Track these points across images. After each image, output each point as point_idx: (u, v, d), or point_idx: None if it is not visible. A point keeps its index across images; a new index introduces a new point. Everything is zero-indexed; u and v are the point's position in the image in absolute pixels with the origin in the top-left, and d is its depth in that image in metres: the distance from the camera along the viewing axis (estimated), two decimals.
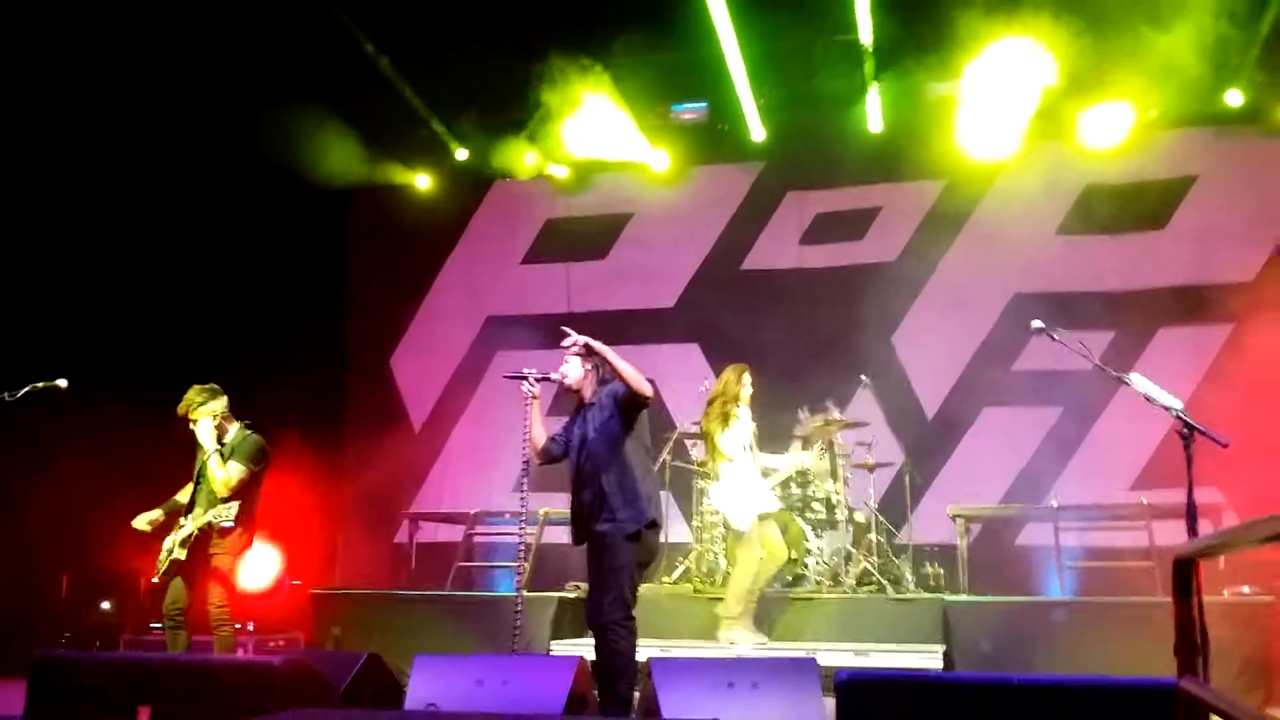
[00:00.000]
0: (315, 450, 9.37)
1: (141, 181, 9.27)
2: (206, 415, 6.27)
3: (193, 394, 6.30)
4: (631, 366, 5.08)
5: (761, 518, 7.06)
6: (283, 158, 9.41)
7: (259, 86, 8.81)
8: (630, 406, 5.12)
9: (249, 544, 6.34)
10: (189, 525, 6.14)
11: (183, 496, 6.40)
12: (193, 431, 6.29)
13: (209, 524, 6.05)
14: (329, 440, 9.40)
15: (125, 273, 9.33)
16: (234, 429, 6.40)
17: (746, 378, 7.32)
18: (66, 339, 8.39)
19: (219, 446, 6.27)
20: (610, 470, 5.07)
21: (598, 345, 5.10)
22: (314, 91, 9.34)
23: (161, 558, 6.21)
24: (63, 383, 6.13)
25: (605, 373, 5.25)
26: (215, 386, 6.40)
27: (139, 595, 8.85)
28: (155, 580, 6.33)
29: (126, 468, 8.17)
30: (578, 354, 5.20)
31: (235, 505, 6.03)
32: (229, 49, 8.55)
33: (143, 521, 6.32)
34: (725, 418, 7.15)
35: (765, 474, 7.53)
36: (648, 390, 5.06)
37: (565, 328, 5.27)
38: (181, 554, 6.10)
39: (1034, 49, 8.56)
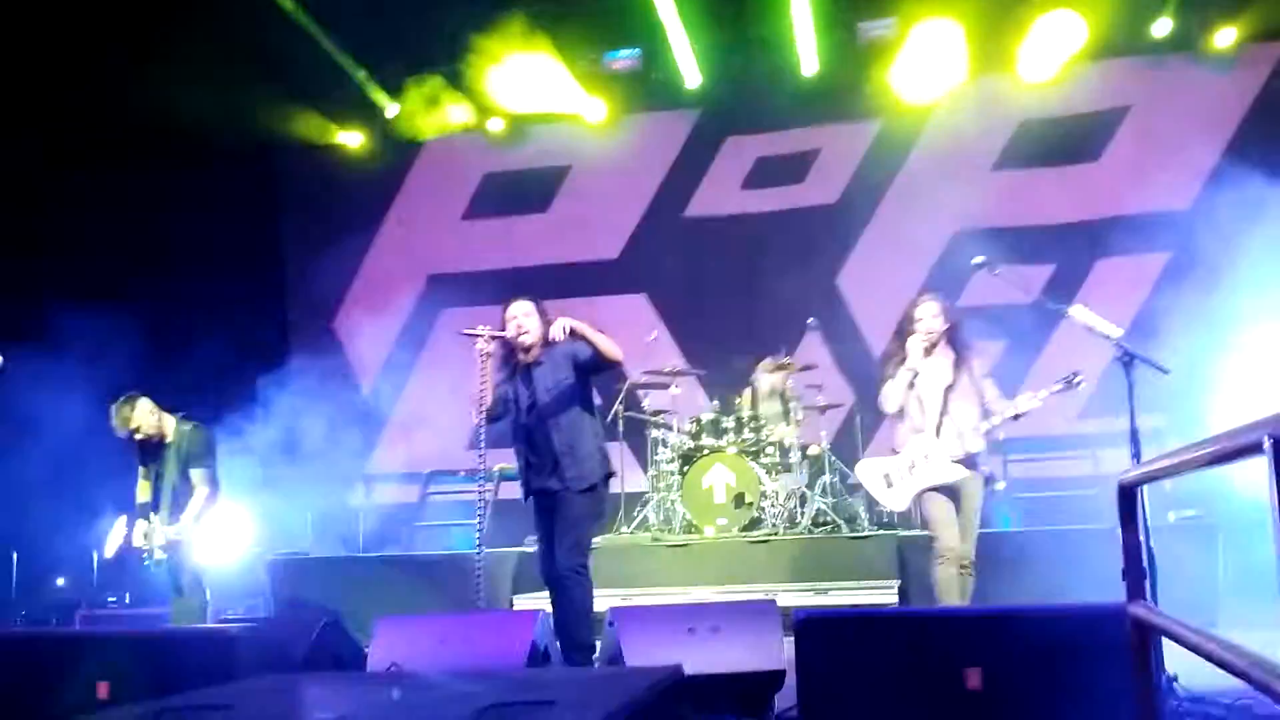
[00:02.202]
0: (263, 418, 9.26)
1: (64, 143, 8.99)
2: (147, 423, 6.30)
3: (123, 412, 6.29)
4: (605, 336, 5.05)
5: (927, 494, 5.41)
6: (207, 118, 9.19)
7: (175, 41, 8.57)
8: (596, 370, 5.12)
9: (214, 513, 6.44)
10: (158, 531, 6.24)
11: (142, 495, 6.43)
12: (139, 442, 6.34)
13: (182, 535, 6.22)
14: (277, 408, 9.28)
15: (49, 245, 9.08)
16: (173, 424, 6.40)
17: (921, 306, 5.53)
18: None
19: (167, 443, 6.35)
20: (563, 430, 5.06)
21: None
22: (235, 49, 9.10)
23: (145, 559, 6.32)
24: None
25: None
26: (130, 394, 6.37)
27: (92, 570, 8.75)
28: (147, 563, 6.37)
29: (69, 443, 8.03)
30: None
31: (189, 522, 6.18)
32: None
33: (112, 549, 6.43)
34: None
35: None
36: (620, 355, 5.12)
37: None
38: (162, 556, 6.25)
39: None
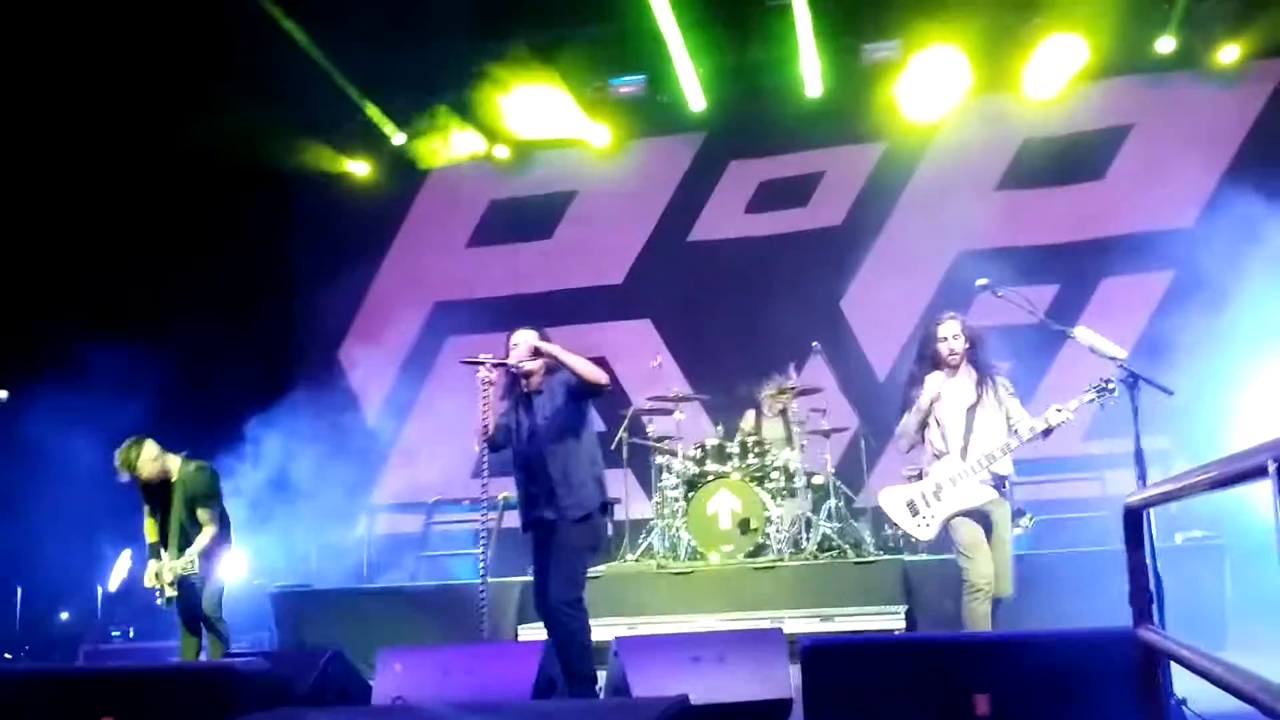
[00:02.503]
0: (268, 449, 9.25)
1: (73, 176, 9.02)
2: (149, 470, 6.29)
3: (128, 456, 6.28)
4: (581, 358, 5.04)
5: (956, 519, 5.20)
6: (217, 149, 9.23)
7: (189, 75, 8.62)
8: (584, 395, 5.09)
9: (227, 545, 6.50)
10: (168, 566, 6.24)
11: (150, 535, 6.44)
12: (142, 483, 6.34)
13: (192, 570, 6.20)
14: (281, 438, 9.27)
15: (55, 277, 9.10)
16: (177, 464, 6.39)
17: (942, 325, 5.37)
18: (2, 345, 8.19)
19: (171, 484, 6.35)
20: (559, 459, 5.05)
21: (545, 346, 5.06)
22: (246, 80, 9.15)
23: (159, 599, 6.32)
24: (3, 394, 6.01)
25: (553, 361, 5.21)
26: (136, 437, 6.36)
27: (97, 604, 8.73)
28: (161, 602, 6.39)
29: (74, 477, 8.02)
30: (525, 358, 5.10)
31: (197, 555, 6.17)
32: (156, 35, 8.34)
33: (116, 583, 6.57)
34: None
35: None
36: (603, 379, 5.05)
37: (511, 340, 5.21)
38: (174, 592, 6.24)
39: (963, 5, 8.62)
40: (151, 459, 6.29)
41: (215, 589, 6.33)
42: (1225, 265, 7.83)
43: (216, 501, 6.38)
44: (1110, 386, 4.82)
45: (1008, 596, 5.11)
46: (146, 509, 6.46)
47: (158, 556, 6.34)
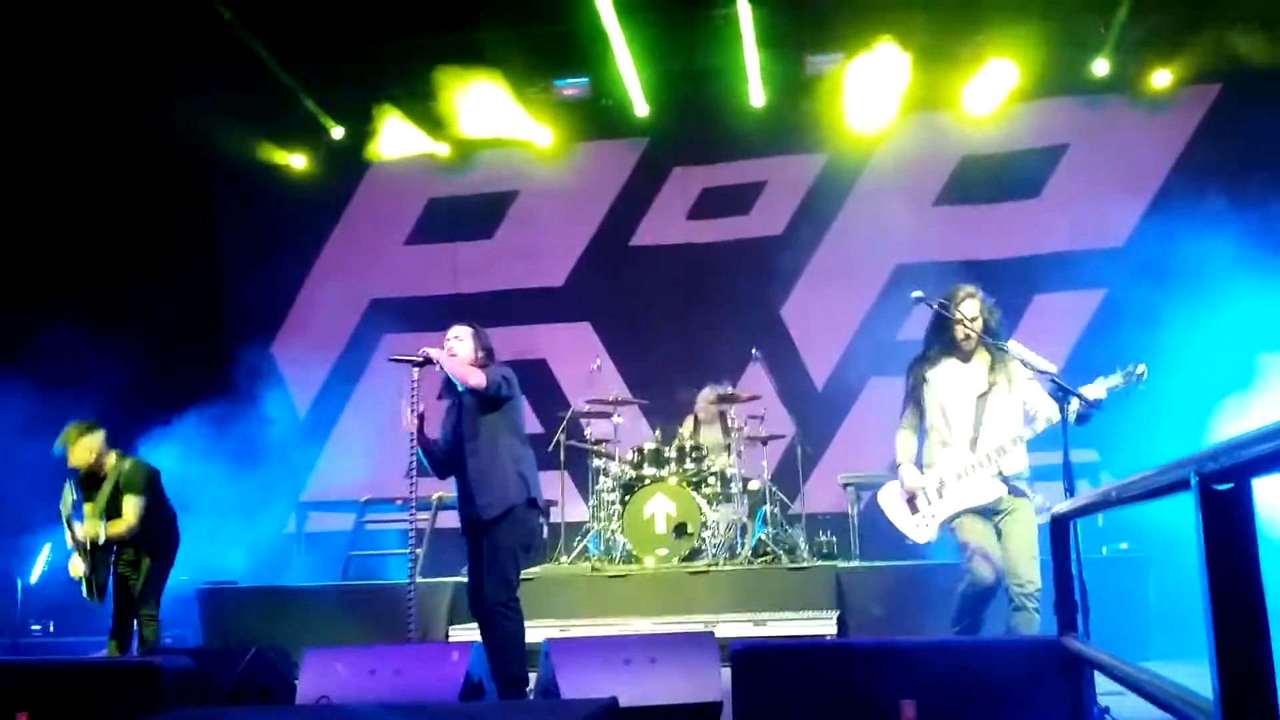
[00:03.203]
0: (198, 442, 9.09)
1: None
2: (82, 459, 6.19)
3: (69, 434, 6.18)
4: (460, 365, 5.03)
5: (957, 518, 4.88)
6: (151, 138, 9.06)
7: (126, 62, 8.45)
8: (479, 398, 5.07)
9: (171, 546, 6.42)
10: (80, 532, 6.13)
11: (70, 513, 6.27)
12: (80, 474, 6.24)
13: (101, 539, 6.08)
14: (212, 431, 9.11)
15: None
16: (112, 460, 6.30)
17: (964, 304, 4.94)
18: None
19: (103, 477, 6.24)
20: (479, 456, 5.06)
21: (433, 353, 5.06)
22: (184, 71, 9.00)
23: (85, 593, 6.20)
24: None
25: (489, 360, 5.20)
26: (92, 421, 6.27)
27: (17, 599, 8.51)
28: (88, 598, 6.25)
29: None
30: (418, 364, 5.09)
31: (104, 528, 6.08)
32: (92, 21, 8.16)
33: (37, 575, 6.39)
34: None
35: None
36: (478, 384, 4.99)
37: (448, 335, 5.22)
38: (83, 571, 6.14)
39: (905, 22, 8.72)
40: (89, 448, 6.18)
41: (152, 587, 6.22)
42: (1155, 285, 8.02)
43: (146, 496, 6.23)
44: (1140, 372, 4.50)
45: (1036, 587, 4.60)
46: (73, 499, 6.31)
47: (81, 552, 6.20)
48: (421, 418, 5.13)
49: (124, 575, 6.25)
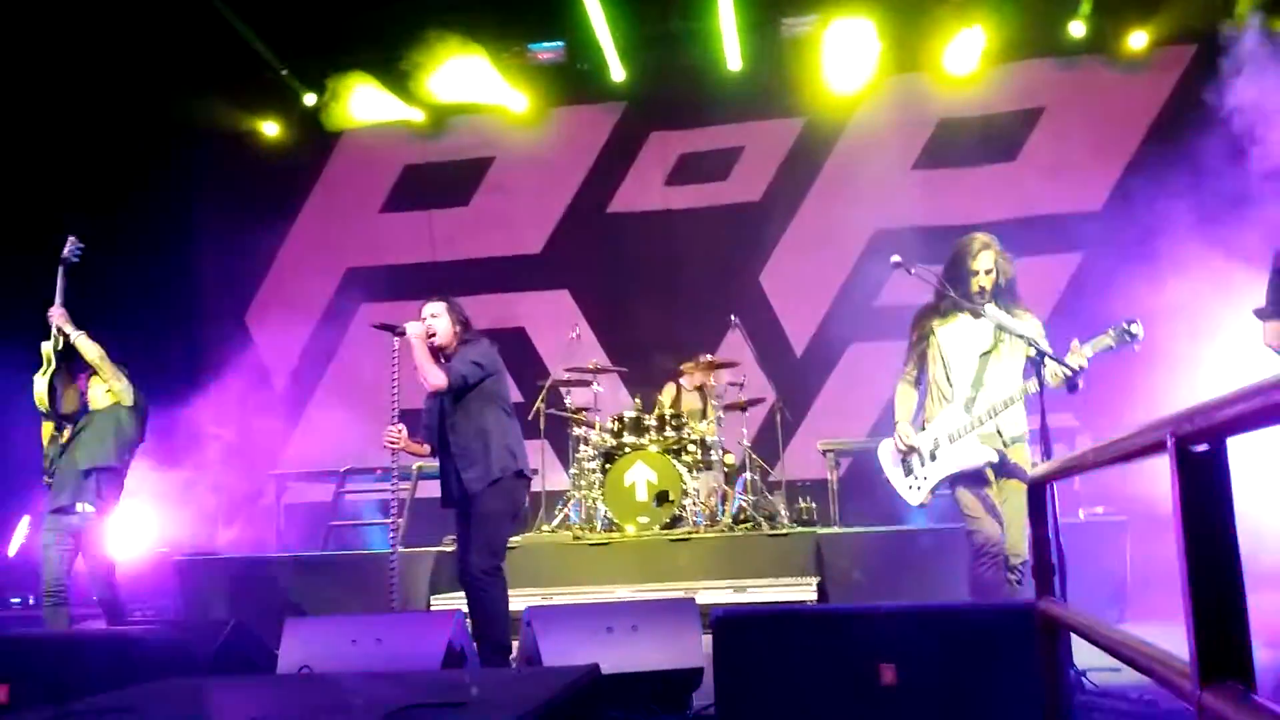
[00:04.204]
0: (172, 412, 9.03)
1: None
2: (75, 399, 6.02)
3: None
4: (423, 361, 4.99)
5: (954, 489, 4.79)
6: (122, 102, 8.93)
7: (96, 24, 8.31)
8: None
9: (115, 505, 6.08)
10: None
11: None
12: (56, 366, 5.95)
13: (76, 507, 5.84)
14: (186, 402, 9.04)
15: None
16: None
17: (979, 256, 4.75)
18: None
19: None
20: (460, 431, 5.06)
21: (411, 331, 5.04)
22: (156, 34, 8.85)
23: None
24: None
25: (467, 333, 5.18)
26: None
27: None
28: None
29: None
30: (400, 334, 5.10)
31: (92, 488, 5.83)
32: None
33: (15, 548, 6.24)
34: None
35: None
36: (439, 384, 4.98)
37: (423, 311, 5.19)
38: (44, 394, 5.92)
39: None
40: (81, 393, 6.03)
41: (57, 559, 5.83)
42: (1131, 249, 8.03)
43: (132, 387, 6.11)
44: (1135, 331, 4.39)
45: (1021, 559, 4.52)
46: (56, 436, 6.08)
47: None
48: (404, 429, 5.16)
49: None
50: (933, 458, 4.76)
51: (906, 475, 4.86)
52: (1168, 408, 1.44)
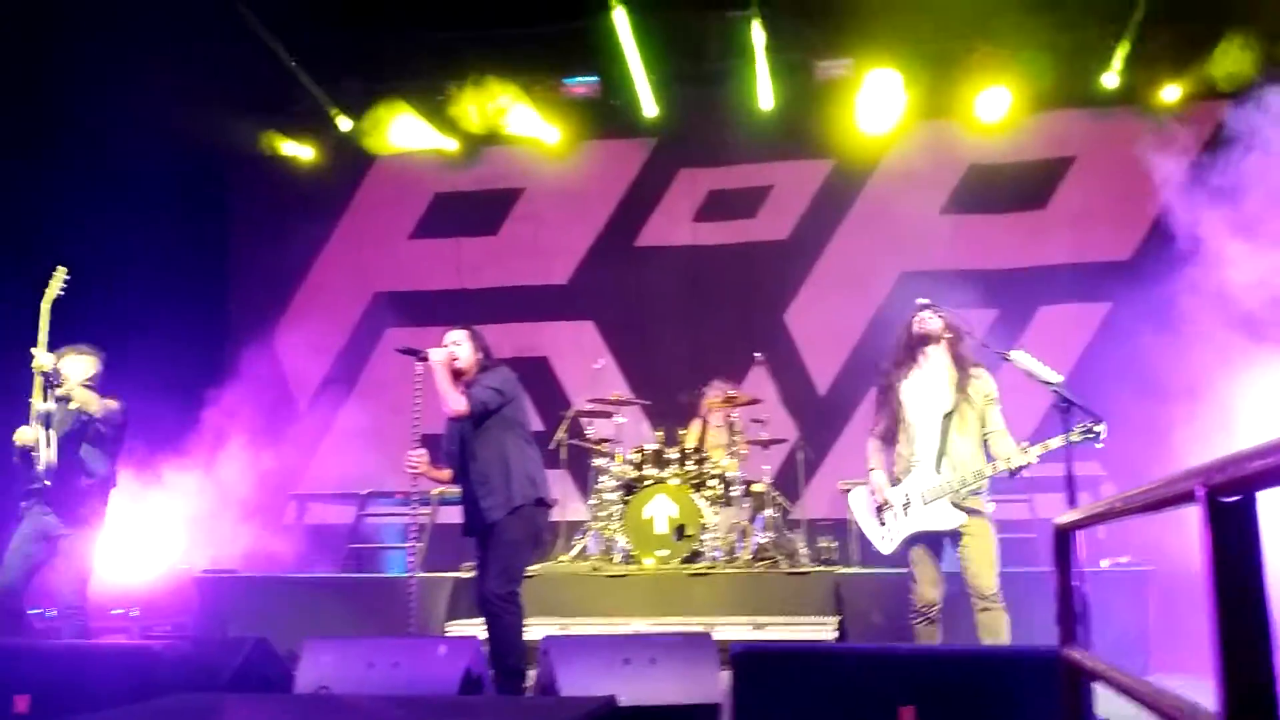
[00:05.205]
0: (195, 428, 9.10)
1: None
2: (77, 368, 5.84)
3: (69, 352, 5.88)
4: (445, 386, 5.06)
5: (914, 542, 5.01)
6: (160, 120, 9.04)
7: (123, 43, 8.44)
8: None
9: (102, 519, 5.90)
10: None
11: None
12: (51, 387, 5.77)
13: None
14: (210, 418, 9.12)
15: None
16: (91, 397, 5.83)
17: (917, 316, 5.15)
18: None
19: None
20: (479, 459, 5.10)
21: (434, 357, 5.12)
22: (196, 58, 8.99)
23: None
24: None
25: (488, 360, 5.25)
26: (97, 349, 6.03)
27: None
28: None
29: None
30: (423, 359, 5.16)
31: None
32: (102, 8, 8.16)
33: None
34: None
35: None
36: (460, 409, 5.04)
37: (445, 339, 5.26)
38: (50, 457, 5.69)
39: (915, 31, 8.74)
40: (81, 372, 5.86)
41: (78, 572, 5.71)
42: (1160, 299, 8.00)
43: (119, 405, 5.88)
44: (1097, 431, 4.54)
45: (991, 593, 4.81)
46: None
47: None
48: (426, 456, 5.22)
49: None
50: (905, 513, 4.95)
51: (880, 526, 5.06)
52: (1194, 460, 1.45)
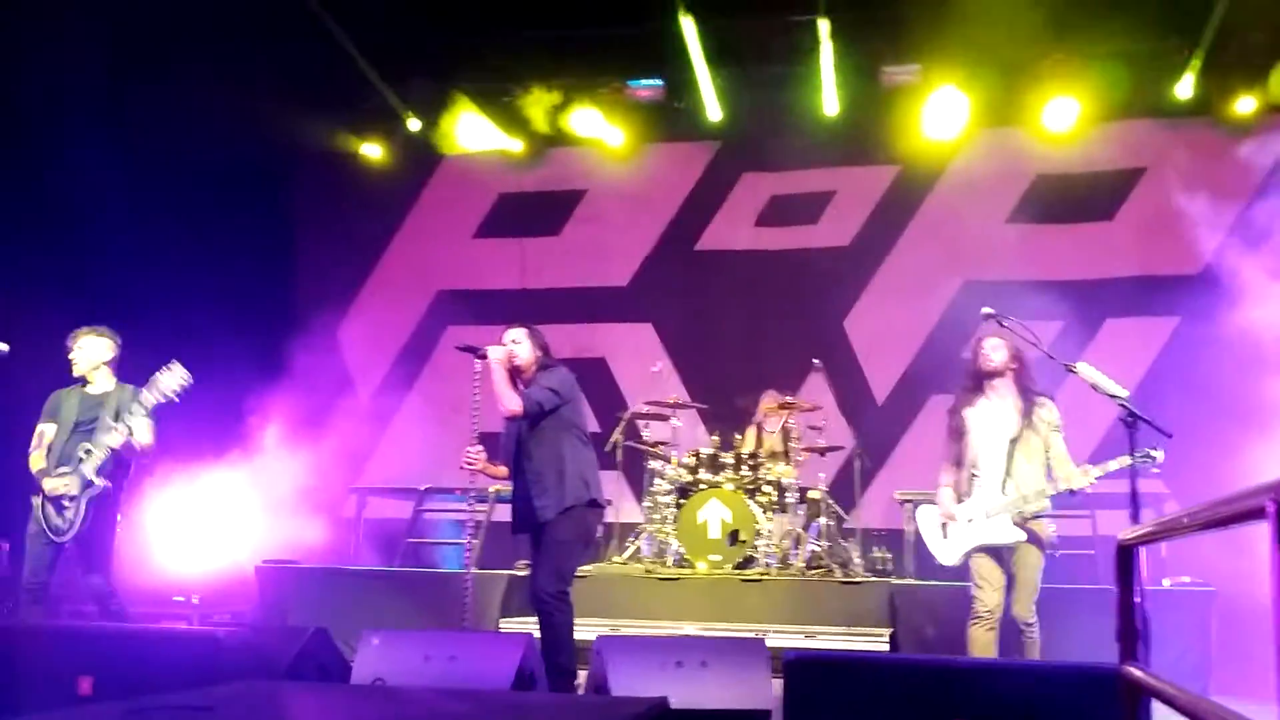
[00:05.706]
0: (257, 419, 9.26)
1: (70, 140, 9.01)
2: (85, 359, 5.79)
3: (88, 333, 5.85)
4: (501, 387, 5.10)
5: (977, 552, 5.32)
6: (231, 117, 9.21)
7: (194, 44, 8.62)
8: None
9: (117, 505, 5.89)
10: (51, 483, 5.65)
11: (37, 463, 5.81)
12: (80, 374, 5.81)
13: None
14: (273, 412, 9.27)
15: (57, 235, 9.06)
16: (113, 384, 5.88)
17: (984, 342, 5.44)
18: None
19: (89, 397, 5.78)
20: (534, 458, 5.14)
21: (494, 355, 5.17)
22: (270, 57, 9.15)
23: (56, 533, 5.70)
24: (4, 347, 5.88)
25: (546, 360, 5.28)
26: (113, 331, 5.96)
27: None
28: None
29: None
30: (482, 357, 5.21)
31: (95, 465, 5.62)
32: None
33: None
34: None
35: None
36: (515, 409, 5.08)
37: (504, 338, 5.31)
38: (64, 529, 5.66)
39: (985, 38, 8.64)
40: (99, 354, 5.81)
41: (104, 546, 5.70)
42: (1230, 315, 7.85)
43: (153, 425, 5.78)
44: (1155, 455, 4.67)
45: (1027, 620, 5.15)
46: (43, 431, 5.85)
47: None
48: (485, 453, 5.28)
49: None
50: (968, 527, 5.26)
51: (944, 539, 5.38)
52: (1260, 477, 1.43)
